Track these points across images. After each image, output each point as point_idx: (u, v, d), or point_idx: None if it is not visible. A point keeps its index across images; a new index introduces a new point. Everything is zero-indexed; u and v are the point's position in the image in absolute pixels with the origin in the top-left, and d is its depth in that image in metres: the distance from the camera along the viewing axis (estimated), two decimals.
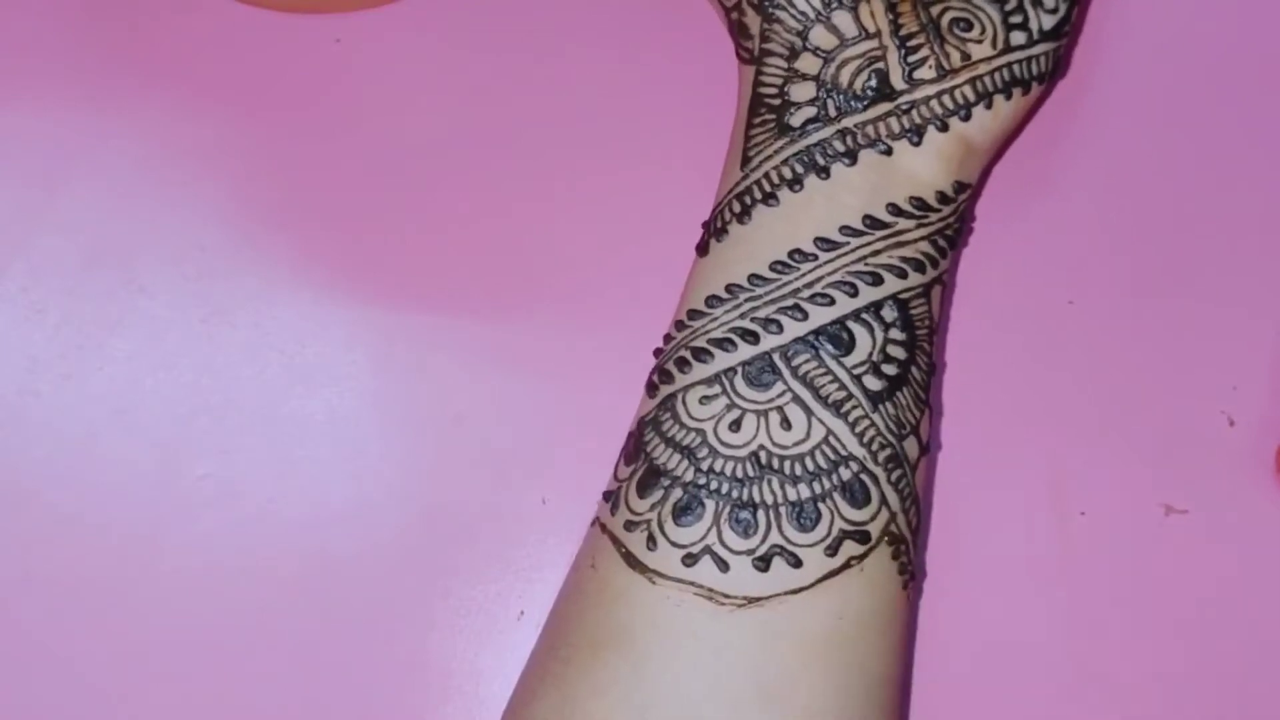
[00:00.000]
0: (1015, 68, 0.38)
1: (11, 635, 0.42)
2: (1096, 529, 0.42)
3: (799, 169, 0.37)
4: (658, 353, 0.39)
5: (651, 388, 0.38)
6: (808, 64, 0.38)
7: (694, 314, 0.38)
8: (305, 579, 0.43)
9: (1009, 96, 0.38)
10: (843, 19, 0.38)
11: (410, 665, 0.42)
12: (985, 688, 0.42)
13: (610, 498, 0.37)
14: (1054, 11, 0.38)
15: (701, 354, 0.37)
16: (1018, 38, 0.38)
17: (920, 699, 0.41)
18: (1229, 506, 0.43)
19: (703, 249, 0.39)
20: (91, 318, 0.44)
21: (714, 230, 0.39)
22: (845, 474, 0.36)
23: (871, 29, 0.38)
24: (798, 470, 0.36)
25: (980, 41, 0.38)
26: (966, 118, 0.38)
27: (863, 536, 0.36)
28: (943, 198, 0.38)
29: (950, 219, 0.38)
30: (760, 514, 0.35)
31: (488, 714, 0.42)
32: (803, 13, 0.38)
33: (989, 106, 0.38)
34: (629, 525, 0.36)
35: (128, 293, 0.44)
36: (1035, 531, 0.42)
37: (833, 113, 0.38)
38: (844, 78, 0.38)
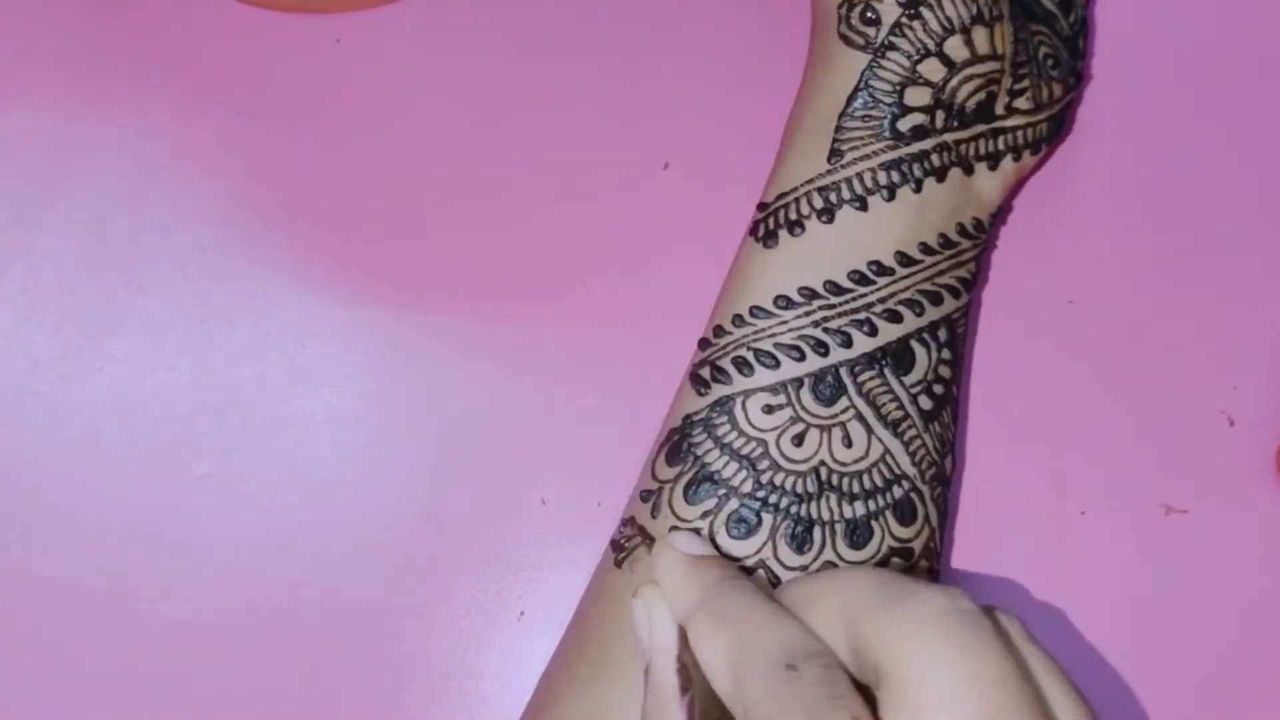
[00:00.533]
0: (1062, 113, 0.39)
1: (11, 635, 0.42)
2: (1096, 529, 0.42)
3: (895, 178, 0.37)
4: (704, 344, 0.38)
5: (701, 384, 0.37)
6: (932, 70, 0.37)
7: (758, 312, 0.37)
8: (305, 579, 0.43)
9: (1050, 142, 0.39)
10: (980, 35, 0.37)
11: (410, 665, 0.42)
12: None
13: (649, 498, 0.37)
14: (1079, 56, 0.40)
15: (765, 357, 0.36)
16: (1071, 82, 0.39)
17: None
18: (1229, 506, 0.43)
19: (769, 238, 0.37)
20: (91, 318, 0.44)
21: (786, 221, 0.37)
22: (898, 493, 0.36)
23: (1000, 51, 0.37)
24: (855, 488, 0.35)
25: (1060, 82, 0.39)
26: (1036, 152, 0.39)
27: (907, 554, 0.36)
28: (992, 220, 0.39)
29: (985, 240, 0.39)
30: (817, 531, 0.35)
31: (488, 714, 0.42)
32: (949, 18, 0.37)
33: (1049, 144, 0.39)
34: (675, 531, 0.36)
35: (128, 293, 0.44)
36: (1035, 531, 0.42)
37: (939, 125, 0.37)
38: (961, 93, 0.37)
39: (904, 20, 0.37)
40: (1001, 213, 0.40)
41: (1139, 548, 0.42)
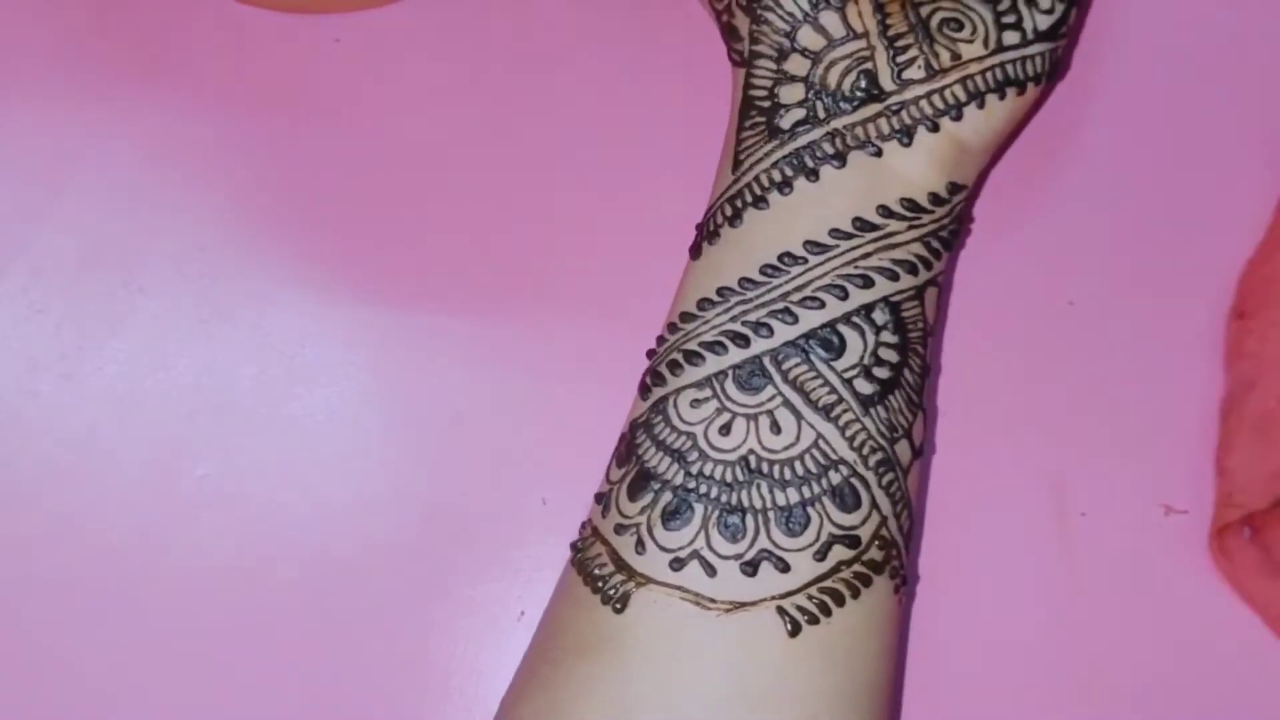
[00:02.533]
0: (1009, 67, 0.38)
1: (11, 635, 0.42)
2: (1096, 529, 0.42)
3: (788, 172, 0.37)
4: (650, 354, 0.39)
5: (644, 389, 0.38)
6: (796, 65, 0.38)
7: (686, 316, 0.38)
8: (305, 579, 0.43)
9: (1003, 96, 0.38)
10: (830, 19, 0.37)
11: (410, 665, 0.42)
12: (984, 688, 0.42)
13: (602, 500, 0.38)
14: (1049, 12, 0.38)
15: (693, 357, 0.37)
16: (1011, 37, 0.38)
17: (919, 699, 0.41)
18: None
19: (695, 251, 0.39)
20: (91, 318, 0.44)
21: (706, 233, 0.38)
22: (835, 478, 0.36)
23: (859, 29, 0.37)
24: (787, 474, 0.35)
25: (971, 41, 0.37)
26: (958, 117, 0.37)
27: (852, 541, 0.36)
28: (935, 199, 0.37)
29: (944, 220, 0.38)
30: (749, 519, 0.35)
31: (488, 714, 0.42)
32: (790, 13, 0.38)
33: (981, 106, 0.37)
34: (619, 528, 0.36)
35: (128, 293, 0.44)
36: (1035, 531, 0.42)
37: (822, 114, 0.37)
38: (832, 79, 0.37)
39: (754, 28, 0.38)
40: (968, 189, 0.38)
41: (1139, 548, 0.42)
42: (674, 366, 0.37)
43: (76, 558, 0.43)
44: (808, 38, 0.38)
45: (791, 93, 0.38)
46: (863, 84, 0.37)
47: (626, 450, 0.37)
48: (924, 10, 0.38)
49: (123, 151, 0.45)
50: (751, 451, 0.36)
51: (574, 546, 0.38)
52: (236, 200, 0.45)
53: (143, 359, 0.44)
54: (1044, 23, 0.38)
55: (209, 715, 0.42)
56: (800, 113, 0.37)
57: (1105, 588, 0.42)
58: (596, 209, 0.44)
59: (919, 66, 0.37)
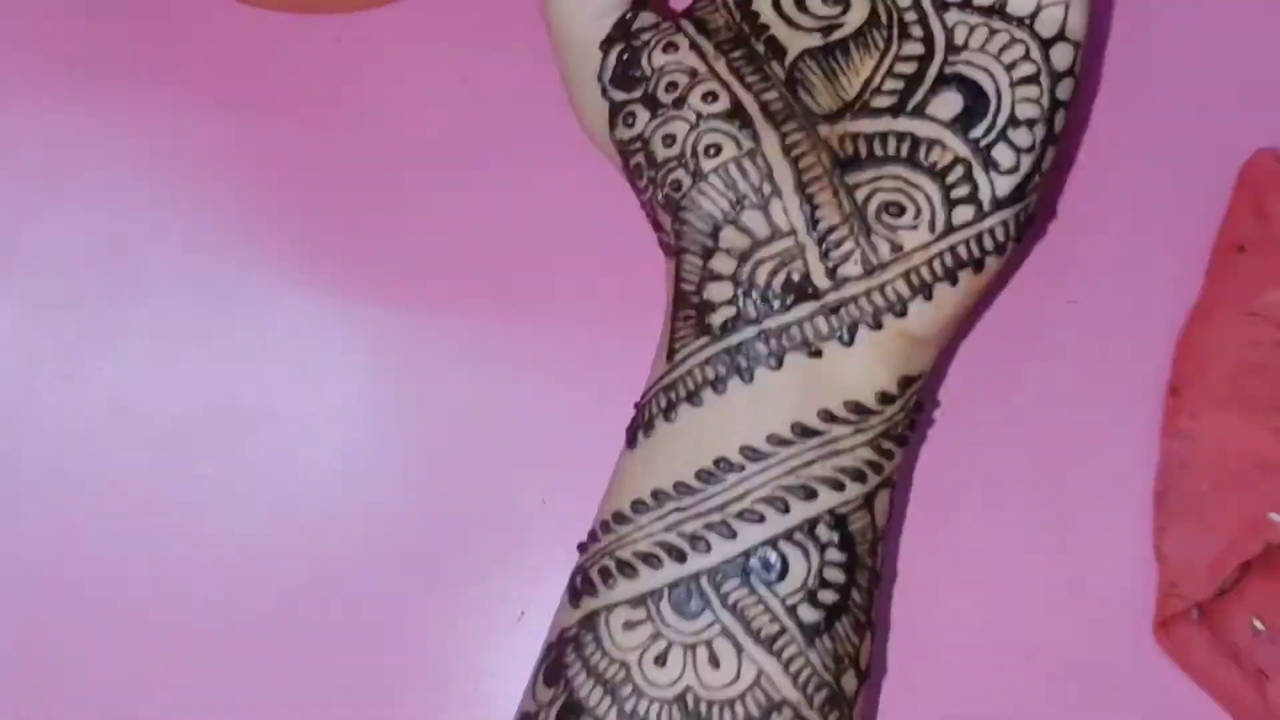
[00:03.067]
0: (960, 249, 0.34)
1: (11, 635, 0.43)
2: (1096, 529, 0.42)
3: (721, 370, 0.34)
4: (581, 548, 0.36)
5: (574, 595, 0.35)
6: (722, 264, 0.35)
7: (619, 518, 0.35)
8: (305, 579, 0.43)
9: (955, 282, 0.34)
10: (753, 218, 0.35)
11: (410, 665, 0.42)
12: (983, 688, 0.42)
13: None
14: (1013, 171, 0.34)
15: (625, 567, 0.34)
16: (963, 214, 0.34)
17: (919, 698, 0.41)
18: None
19: (631, 440, 0.36)
20: (91, 318, 0.44)
21: (642, 423, 0.36)
22: None
23: (785, 227, 0.34)
24: (727, 718, 0.32)
25: (915, 227, 0.34)
26: (902, 313, 0.34)
27: None
28: (884, 398, 0.34)
29: (897, 416, 0.35)
30: None
31: (488, 714, 0.42)
32: (710, 214, 0.35)
33: (929, 298, 0.34)
34: None
35: (128, 293, 0.44)
36: (1035, 531, 0.42)
37: (753, 314, 0.34)
38: (760, 277, 0.34)
39: (676, 226, 0.36)
40: (923, 377, 0.35)
41: (1139, 548, 0.42)
42: (605, 575, 0.34)
43: (77, 558, 0.43)
44: (732, 238, 0.35)
45: (719, 291, 0.35)
46: (793, 282, 0.34)
47: (554, 669, 0.34)
48: (861, 194, 0.34)
49: (123, 151, 0.45)
50: (689, 689, 0.33)
51: None
52: (237, 200, 0.45)
53: (143, 359, 0.44)
54: (1005, 186, 0.34)
55: (209, 715, 0.42)
56: (730, 310, 0.35)
57: (1105, 588, 0.42)
58: (597, 209, 0.44)
59: (855, 262, 0.34)
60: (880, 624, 0.41)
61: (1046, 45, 0.34)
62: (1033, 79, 0.34)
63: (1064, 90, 0.35)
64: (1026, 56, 0.34)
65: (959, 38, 0.35)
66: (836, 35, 0.36)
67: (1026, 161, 0.34)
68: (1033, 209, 0.35)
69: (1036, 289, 0.44)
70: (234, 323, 0.44)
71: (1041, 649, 0.42)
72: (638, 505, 0.34)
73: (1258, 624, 0.40)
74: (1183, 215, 0.44)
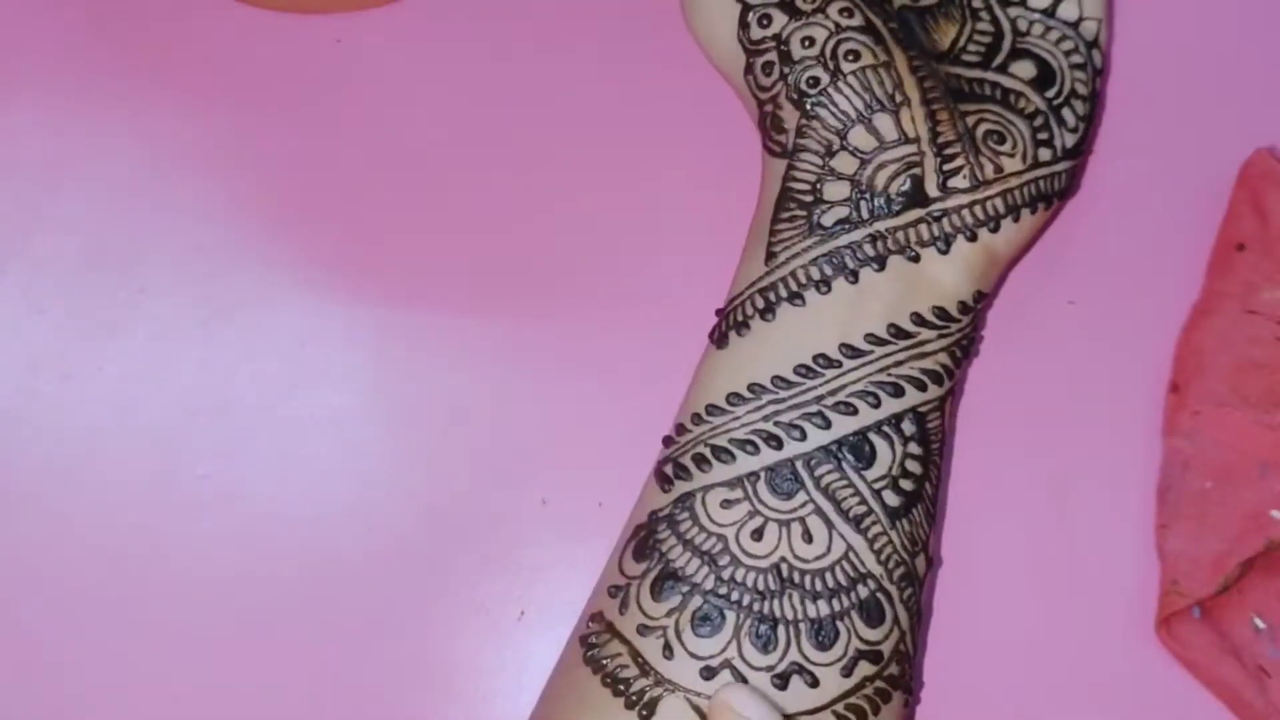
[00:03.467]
0: (1041, 183, 0.38)
1: (11, 635, 0.42)
2: (1097, 529, 0.42)
3: (828, 270, 0.37)
4: (668, 441, 0.38)
5: (665, 480, 0.37)
6: (844, 164, 0.37)
7: (714, 410, 0.37)
8: (305, 579, 0.43)
9: (1034, 210, 0.38)
10: (884, 122, 0.37)
11: (410, 665, 0.42)
12: (985, 685, 0.42)
13: (617, 594, 0.36)
14: (1075, 131, 0.39)
15: (722, 453, 0.36)
16: (1044, 154, 0.38)
17: (920, 696, 0.41)
18: None
19: (720, 340, 0.38)
20: (91, 318, 0.44)
21: (735, 323, 0.38)
22: (863, 592, 0.35)
23: (911, 134, 0.37)
24: (818, 586, 0.35)
25: (1012, 155, 0.38)
26: (995, 229, 0.37)
27: (876, 657, 0.35)
28: (964, 308, 0.38)
29: (967, 328, 0.38)
30: (781, 630, 0.35)
31: (488, 714, 0.42)
32: (844, 112, 0.38)
33: (1016, 220, 0.38)
34: (642, 629, 0.35)
35: (128, 293, 0.44)
36: (1035, 531, 0.42)
37: (865, 215, 0.37)
38: (880, 181, 0.37)
39: (803, 122, 0.38)
40: (987, 296, 0.39)
41: (1141, 546, 0.42)
42: (700, 461, 0.36)
43: (76, 558, 0.43)
44: (859, 137, 0.37)
45: (836, 190, 0.37)
46: (909, 189, 0.37)
47: (647, 545, 0.36)
48: (970, 120, 0.38)
49: (123, 151, 0.45)
50: (784, 559, 0.35)
51: (585, 641, 0.37)
52: (236, 200, 0.45)
53: (143, 359, 0.44)
54: (1070, 141, 0.39)
55: (209, 715, 0.42)
56: (843, 211, 0.37)
57: (1106, 587, 0.42)
58: (597, 208, 0.44)
59: (964, 176, 0.37)
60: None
61: (1089, 46, 0.40)
62: (1082, 67, 0.39)
63: (1097, 85, 0.40)
64: (1076, 50, 0.39)
65: (1021, 27, 0.39)
66: (924, 1, 0.40)
67: (1081, 128, 0.39)
68: (1076, 169, 0.39)
69: (1036, 289, 0.44)
70: (234, 323, 0.44)
71: (1043, 646, 0.42)
72: (733, 398, 0.37)
73: (1259, 622, 0.40)
74: (1183, 215, 0.44)
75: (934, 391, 0.37)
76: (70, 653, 0.42)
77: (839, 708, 0.35)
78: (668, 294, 0.43)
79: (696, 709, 0.34)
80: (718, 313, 0.39)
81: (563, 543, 0.40)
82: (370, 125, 0.45)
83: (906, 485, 0.36)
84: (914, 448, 0.36)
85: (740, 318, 0.38)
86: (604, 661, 0.36)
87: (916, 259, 0.37)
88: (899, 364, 0.37)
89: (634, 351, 0.43)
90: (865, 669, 0.35)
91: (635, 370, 0.42)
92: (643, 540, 0.37)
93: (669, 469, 0.37)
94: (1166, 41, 0.45)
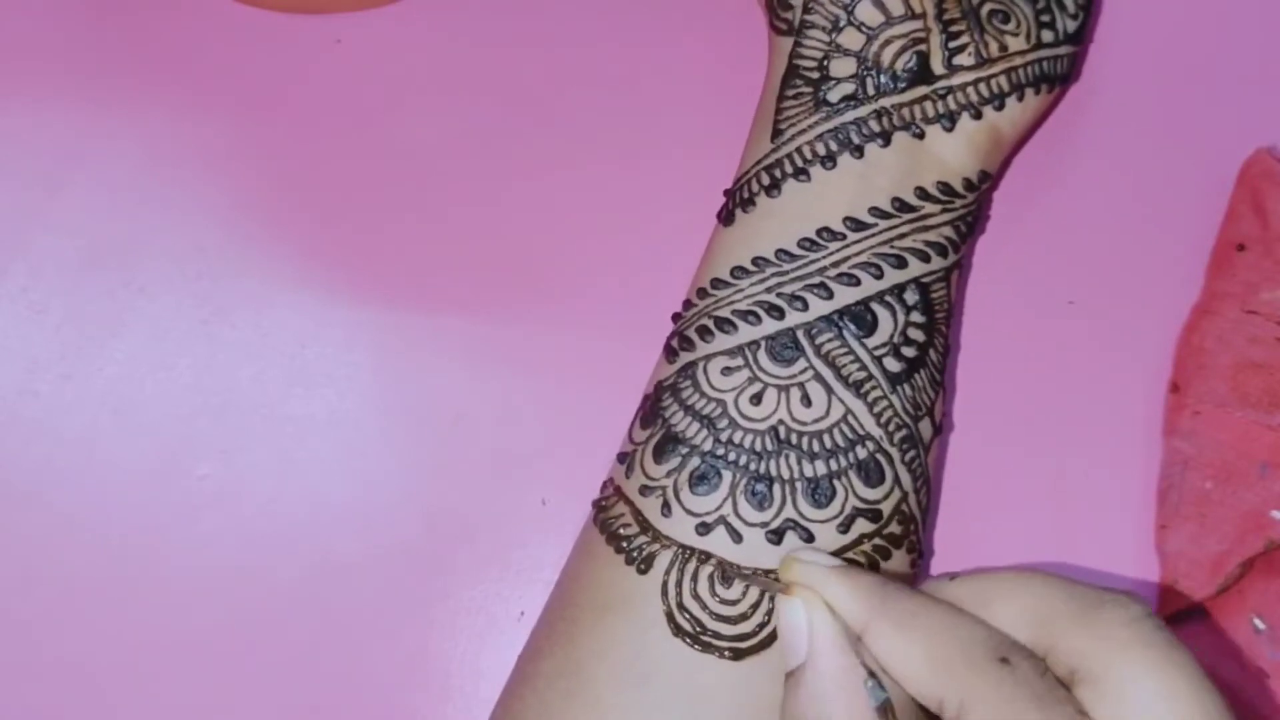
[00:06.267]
0: (1044, 64, 0.39)
1: (11, 635, 0.42)
2: (1097, 529, 0.42)
3: (833, 146, 0.38)
4: (676, 318, 0.39)
5: (670, 353, 0.38)
6: (850, 39, 0.38)
7: (718, 283, 0.38)
8: (305, 579, 0.43)
9: (1038, 91, 0.39)
10: None
11: (410, 665, 0.42)
12: None
13: (625, 460, 0.38)
14: (1075, 17, 0.40)
15: (725, 324, 0.37)
16: (1047, 35, 0.39)
17: None
18: None
19: (727, 218, 0.39)
20: (91, 318, 0.44)
21: (740, 200, 0.39)
22: (861, 453, 0.36)
23: (918, 9, 0.38)
24: (815, 447, 0.36)
25: (1016, 35, 0.38)
26: (1000, 107, 0.38)
27: (874, 515, 0.36)
28: (968, 184, 0.38)
29: (972, 206, 0.39)
30: (776, 488, 0.36)
31: (487, 714, 0.42)
32: None
33: (1020, 99, 0.38)
34: (644, 490, 0.37)
35: (128, 293, 0.44)
36: (1035, 531, 0.42)
37: (871, 91, 0.38)
38: (886, 57, 0.38)
39: None
40: (992, 178, 0.39)
41: (1139, 548, 0.42)
42: (704, 332, 0.37)
43: (76, 558, 0.43)
44: (866, 13, 0.38)
45: (843, 66, 0.38)
46: (914, 65, 0.38)
47: (651, 412, 0.38)
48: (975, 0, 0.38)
49: (123, 151, 0.45)
50: (781, 422, 0.36)
51: (596, 505, 0.38)
52: (236, 200, 0.45)
53: (143, 359, 0.44)
54: (1071, 26, 0.39)
55: (209, 715, 0.42)
56: (850, 87, 0.38)
57: (1101, 585, 0.42)
58: (597, 208, 0.44)
59: (969, 54, 0.38)
60: None
61: None
62: None
63: None
64: None
65: None
66: None
67: (1081, 15, 0.40)
68: (1077, 55, 0.40)
69: (1037, 289, 0.44)
70: (234, 323, 0.44)
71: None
72: (737, 271, 0.38)
73: (1259, 622, 0.40)
74: (1183, 215, 0.44)
75: (937, 263, 0.38)
76: (70, 653, 0.42)
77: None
78: (668, 295, 0.43)
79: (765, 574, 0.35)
80: (726, 193, 0.39)
81: (563, 543, 0.40)
82: (370, 125, 0.45)
83: (909, 352, 0.37)
84: (917, 316, 0.37)
85: (746, 195, 0.38)
86: (609, 522, 0.37)
87: (921, 135, 0.38)
88: (902, 236, 0.37)
89: (634, 352, 0.43)
90: (863, 526, 0.36)
91: (636, 371, 0.41)
92: (648, 409, 0.38)
93: (674, 341, 0.38)
94: (1167, 41, 0.45)
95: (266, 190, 0.45)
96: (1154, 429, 0.42)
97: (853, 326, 0.37)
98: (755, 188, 0.38)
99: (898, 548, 0.37)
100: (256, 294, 0.44)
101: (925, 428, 0.37)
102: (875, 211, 0.37)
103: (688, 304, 0.39)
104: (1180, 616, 0.40)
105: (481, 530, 0.43)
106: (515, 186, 0.45)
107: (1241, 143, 0.43)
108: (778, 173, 0.38)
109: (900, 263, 0.37)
